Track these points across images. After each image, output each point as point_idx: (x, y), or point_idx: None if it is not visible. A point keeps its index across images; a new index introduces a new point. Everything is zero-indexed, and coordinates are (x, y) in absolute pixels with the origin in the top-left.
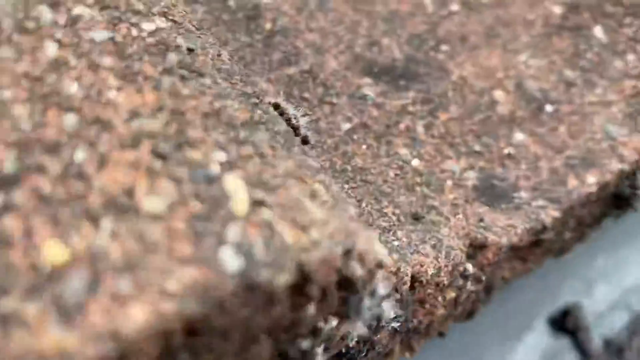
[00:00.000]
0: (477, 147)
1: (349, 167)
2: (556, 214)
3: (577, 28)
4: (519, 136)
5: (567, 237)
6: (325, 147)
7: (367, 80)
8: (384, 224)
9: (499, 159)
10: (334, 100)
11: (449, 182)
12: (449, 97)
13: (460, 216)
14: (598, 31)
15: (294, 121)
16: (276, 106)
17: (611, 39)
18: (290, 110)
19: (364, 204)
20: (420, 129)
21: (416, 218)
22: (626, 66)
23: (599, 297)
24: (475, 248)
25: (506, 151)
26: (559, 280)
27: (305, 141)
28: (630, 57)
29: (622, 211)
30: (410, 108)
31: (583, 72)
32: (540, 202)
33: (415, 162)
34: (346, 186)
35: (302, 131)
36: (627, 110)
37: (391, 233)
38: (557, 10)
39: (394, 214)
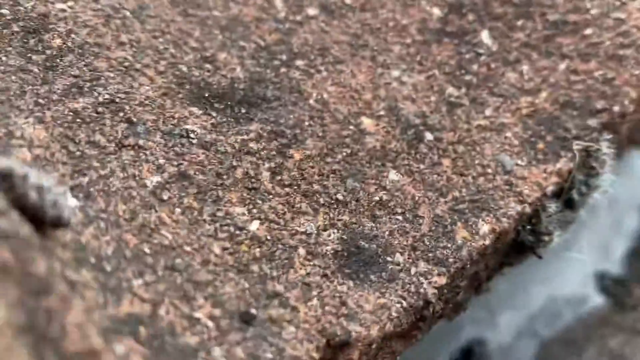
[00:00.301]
0: (340, 195)
1: (147, 248)
2: (442, 280)
3: (461, 33)
4: (393, 176)
5: (460, 299)
6: (113, 219)
7: (194, 109)
8: (191, 341)
9: (368, 209)
10: (141, 141)
11: (301, 251)
12: (304, 129)
13: (315, 302)
14: (485, 36)
15: (33, 197)
16: (4, 176)
17: (501, 46)
18: (31, 178)
19: (161, 311)
20: (265, 174)
21: (246, 320)
22: (520, 79)
23: (503, 326)
24: (335, 349)
25: (377, 197)
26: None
27: (58, 223)
28: (525, 67)
29: (526, 257)
30: (253, 146)
31: (469, 89)
32: (422, 267)
33: (255, 226)
34: (136, 283)
35: (51, 211)
36: (524, 134)
37: (200, 357)
38: (437, 12)
39: (211, 317)
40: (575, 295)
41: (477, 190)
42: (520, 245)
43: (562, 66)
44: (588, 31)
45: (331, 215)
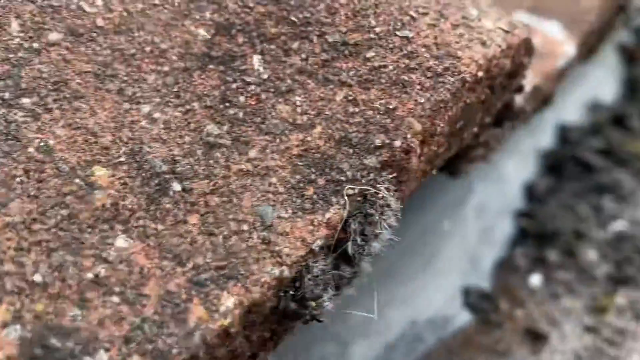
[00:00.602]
0: (38, 275)
1: None
2: None
3: (229, 59)
4: (120, 243)
5: None
6: None
7: None
8: None
9: (76, 291)
10: None
11: None
12: (13, 187)
13: None
14: (257, 62)
15: None
16: None
17: (274, 73)
18: None
19: None
20: None
21: None
22: (293, 112)
23: (357, 359)
24: None
25: (92, 274)
26: (306, 350)
27: None
28: (298, 97)
29: (305, 323)
30: None
31: (233, 126)
32: None
33: None
34: None
35: None
36: (291, 179)
37: None
38: (203, 33)
39: None
40: (439, 316)
41: (227, 254)
42: (286, 314)
43: (340, 95)
44: (370, 53)
45: (19, 305)
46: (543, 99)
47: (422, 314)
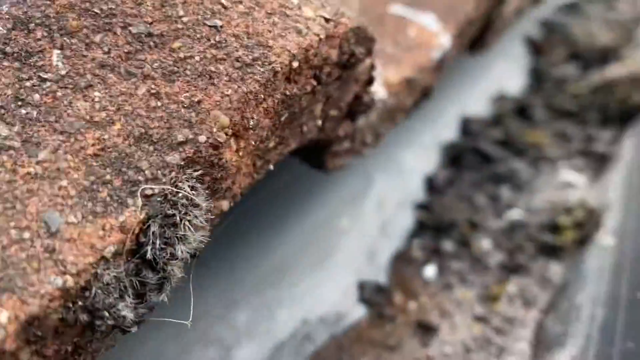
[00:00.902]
0: None
1: None
2: None
3: (25, 55)
4: None
5: None
6: None
7: None
8: None
9: None
10: None
11: None
12: None
13: None
14: (56, 58)
15: None
16: None
17: (73, 68)
18: None
19: None
20: None
21: None
22: (92, 108)
23: None
24: None
25: None
26: (186, 355)
27: None
28: (98, 93)
29: (124, 333)
30: None
31: (25, 127)
32: None
33: None
34: None
35: None
36: (84, 181)
37: None
38: (1, 29)
39: None
40: (332, 313)
41: (5, 265)
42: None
43: (143, 89)
44: (177, 44)
45: None
46: (421, 91)
47: (315, 312)
